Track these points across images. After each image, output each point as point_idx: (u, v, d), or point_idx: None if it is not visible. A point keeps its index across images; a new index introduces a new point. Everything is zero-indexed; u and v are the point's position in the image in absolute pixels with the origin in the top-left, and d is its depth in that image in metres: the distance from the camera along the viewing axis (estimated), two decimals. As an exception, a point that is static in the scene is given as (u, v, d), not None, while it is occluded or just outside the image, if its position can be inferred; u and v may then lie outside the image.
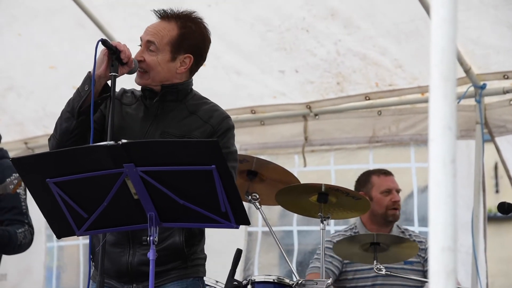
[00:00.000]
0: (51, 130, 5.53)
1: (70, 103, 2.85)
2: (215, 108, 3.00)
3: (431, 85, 1.54)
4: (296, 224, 5.39)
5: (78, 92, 2.84)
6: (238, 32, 4.92)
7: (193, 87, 3.03)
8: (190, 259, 2.97)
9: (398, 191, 4.55)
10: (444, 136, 1.52)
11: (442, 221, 1.55)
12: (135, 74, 2.93)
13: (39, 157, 2.61)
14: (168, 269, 2.92)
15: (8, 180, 3.82)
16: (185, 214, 2.54)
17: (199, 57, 3.02)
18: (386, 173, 4.60)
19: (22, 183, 3.79)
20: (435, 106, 1.52)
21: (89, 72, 2.81)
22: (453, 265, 1.56)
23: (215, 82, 5.16)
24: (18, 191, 3.85)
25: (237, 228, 2.60)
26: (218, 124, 2.93)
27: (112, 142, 2.44)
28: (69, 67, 5.27)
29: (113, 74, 2.76)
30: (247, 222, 2.60)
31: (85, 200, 2.53)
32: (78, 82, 5.20)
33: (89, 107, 2.74)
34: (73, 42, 5.10)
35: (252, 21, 4.82)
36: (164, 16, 2.96)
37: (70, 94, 5.18)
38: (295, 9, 4.67)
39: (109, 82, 2.82)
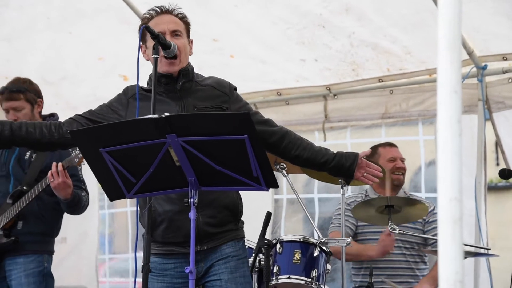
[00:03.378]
0: (102, 112, 5.65)
1: None
2: (217, 79, 3.08)
3: (439, 54, 1.53)
4: (317, 192, 5.41)
5: None
6: (261, 28, 4.92)
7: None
8: (240, 220, 3.06)
9: (402, 159, 4.55)
10: (451, 99, 1.51)
11: (450, 174, 1.54)
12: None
13: (94, 129, 2.61)
14: (224, 230, 2.98)
15: (73, 154, 3.87)
16: (221, 178, 2.54)
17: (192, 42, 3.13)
18: (391, 144, 4.62)
19: None
20: (442, 73, 1.52)
21: None
22: (459, 214, 1.55)
23: (243, 70, 5.18)
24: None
25: (267, 190, 2.60)
26: (229, 90, 3.04)
27: (156, 116, 2.44)
28: (115, 58, 5.33)
29: (155, 56, 2.78)
30: (276, 185, 2.59)
31: (134, 167, 2.54)
32: (123, 71, 5.33)
33: None
34: (118, 37, 5.14)
35: (273, 19, 4.82)
36: (165, 11, 3.04)
37: (116, 81, 5.31)
38: (312, 6, 4.65)
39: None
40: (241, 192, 3.08)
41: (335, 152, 3.05)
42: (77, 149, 3.88)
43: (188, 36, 3.08)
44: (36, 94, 4.24)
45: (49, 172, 3.84)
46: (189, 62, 3.05)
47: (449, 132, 1.52)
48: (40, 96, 4.26)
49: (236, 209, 3.04)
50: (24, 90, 4.17)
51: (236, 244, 3.01)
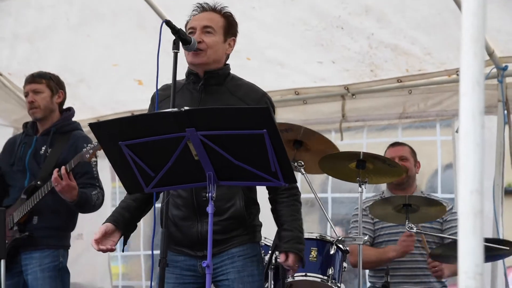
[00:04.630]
0: (119, 110, 5.70)
1: None
2: (253, 88, 3.05)
3: (462, 46, 1.54)
4: (331, 192, 5.42)
5: None
6: (279, 30, 4.92)
7: (231, 71, 3.09)
8: (250, 225, 3.04)
9: (402, 158, 4.43)
10: (474, 90, 1.52)
11: (471, 166, 1.54)
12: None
13: (113, 122, 2.62)
14: (231, 236, 2.98)
15: (84, 150, 3.91)
16: (240, 173, 2.55)
17: (235, 41, 3.11)
18: (393, 144, 4.60)
19: (97, 153, 3.89)
20: (465, 63, 1.53)
21: None
22: (480, 206, 1.55)
23: (260, 73, 5.17)
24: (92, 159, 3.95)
25: (286, 185, 2.61)
26: (256, 104, 2.96)
27: (176, 109, 2.45)
28: (130, 64, 5.37)
29: (175, 51, 2.81)
30: (294, 180, 2.60)
31: (152, 160, 2.55)
32: (138, 76, 5.35)
33: None
34: (134, 42, 5.16)
35: (292, 21, 4.82)
36: (209, 9, 3.05)
37: (131, 86, 5.32)
38: (331, 8, 4.65)
39: None
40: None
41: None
42: (89, 145, 3.92)
43: (227, 34, 3.05)
44: (59, 85, 4.34)
45: (53, 177, 3.88)
46: (224, 67, 3.06)
47: (471, 123, 1.53)
48: (63, 88, 4.36)
49: (241, 218, 3.00)
50: (48, 77, 4.31)
51: (243, 247, 3.01)
